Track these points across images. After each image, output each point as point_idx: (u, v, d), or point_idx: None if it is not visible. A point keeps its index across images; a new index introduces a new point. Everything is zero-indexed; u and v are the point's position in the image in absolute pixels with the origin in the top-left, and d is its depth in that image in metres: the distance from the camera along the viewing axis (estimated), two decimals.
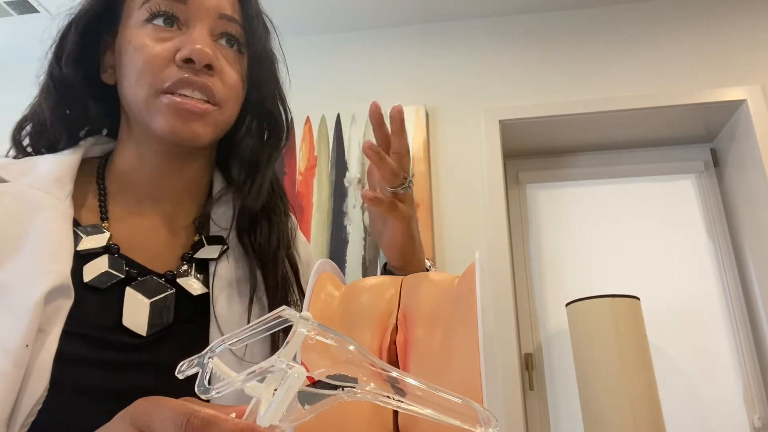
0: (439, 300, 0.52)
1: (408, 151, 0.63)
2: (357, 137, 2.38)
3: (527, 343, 2.34)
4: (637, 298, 1.98)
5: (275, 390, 0.32)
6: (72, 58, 0.66)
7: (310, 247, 0.83)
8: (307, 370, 0.32)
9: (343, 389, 0.33)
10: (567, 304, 2.05)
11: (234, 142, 0.71)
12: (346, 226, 2.25)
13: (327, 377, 0.33)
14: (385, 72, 2.53)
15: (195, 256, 0.66)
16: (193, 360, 0.36)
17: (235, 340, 0.35)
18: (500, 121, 2.35)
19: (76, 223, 0.62)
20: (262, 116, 0.73)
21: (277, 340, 0.62)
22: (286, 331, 0.33)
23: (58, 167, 0.63)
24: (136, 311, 0.58)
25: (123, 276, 0.60)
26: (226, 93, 0.65)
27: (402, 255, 0.67)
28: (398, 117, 0.61)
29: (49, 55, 0.67)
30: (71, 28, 0.67)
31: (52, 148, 0.69)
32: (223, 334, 0.59)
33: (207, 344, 0.59)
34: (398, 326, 0.51)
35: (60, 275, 0.54)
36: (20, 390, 0.49)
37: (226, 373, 0.34)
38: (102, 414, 0.41)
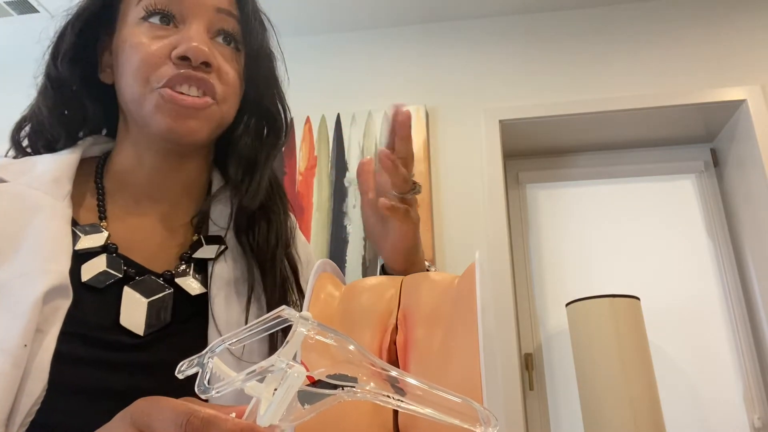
0: (439, 300, 0.52)
1: (413, 155, 0.63)
2: (357, 137, 2.38)
3: (527, 343, 2.34)
4: (637, 298, 1.98)
5: (275, 390, 0.32)
6: (68, 58, 0.66)
7: (309, 247, 0.83)
8: (307, 370, 0.32)
9: (343, 389, 0.33)
10: (567, 304, 2.05)
11: (232, 140, 0.71)
12: (346, 226, 2.25)
13: (327, 377, 0.33)
14: (385, 72, 2.53)
15: (193, 255, 0.65)
16: (192, 360, 0.36)
17: (234, 340, 0.35)
18: (500, 121, 2.35)
19: (74, 223, 0.62)
20: (261, 114, 0.72)
21: (275, 340, 0.62)
22: (285, 331, 0.33)
23: (56, 167, 0.63)
24: (134, 311, 0.58)
25: (121, 275, 0.60)
26: (223, 90, 0.64)
27: (407, 258, 0.66)
28: (407, 122, 0.61)
29: (47, 56, 0.67)
30: (68, 28, 0.67)
31: (51, 148, 0.69)
32: (221, 334, 0.59)
33: (205, 344, 0.59)
34: (398, 326, 0.51)
35: (58, 275, 0.54)
36: (19, 390, 0.49)
37: (226, 373, 0.34)
38: (100, 414, 0.41)
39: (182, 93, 0.61)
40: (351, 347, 0.34)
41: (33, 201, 0.59)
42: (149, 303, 0.59)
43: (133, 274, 0.61)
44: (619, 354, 1.85)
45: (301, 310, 0.33)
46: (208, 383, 0.35)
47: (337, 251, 2.20)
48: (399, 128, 0.61)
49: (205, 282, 0.64)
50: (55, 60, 0.67)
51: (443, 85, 2.46)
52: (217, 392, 0.34)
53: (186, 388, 0.39)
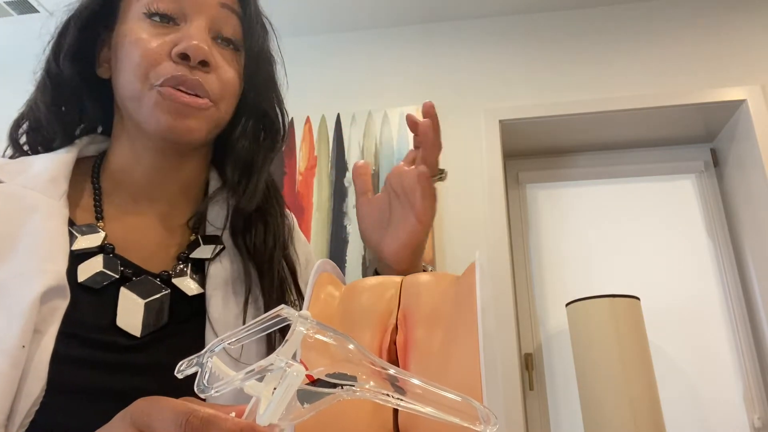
0: (439, 300, 0.52)
1: (440, 145, 0.65)
2: (357, 137, 2.38)
3: (527, 343, 2.34)
4: (637, 298, 1.98)
5: (274, 389, 0.32)
6: (70, 55, 0.66)
7: (309, 246, 0.83)
8: (306, 369, 0.32)
9: (342, 387, 0.33)
10: (567, 304, 2.05)
11: (230, 142, 0.71)
12: (346, 226, 2.25)
13: (326, 376, 0.33)
14: (385, 72, 2.53)
15: (190, 255, 0.65)
16: (192, 359, 0.36)
17: (233, 340, 0.35)
18: (500, 121, 2.35)
19: (71, 223, 0.61)
20: (259, 117, 0.72)
21: (273, 341, 0.62)
22: (283, 331, 0.33)
23: (52, 167, 0.63)
24: (131, 312, 0.58)
25: (117, 276, 0.59)
26: (221, 90, 0.64)
27: (414, 256, 0.65)
28: (433, 111, 0.62)
29: (47, 52, 0.67)
30: (70, 24, 0.66)
31: (48, 146, 0.69)
32: (217, 335, 0.59)
33: (203, 344, 0.59)
34: (398, 326, 0.51)
35: (55, 275, 0.54)
36: (17, 391, 0.49)
37: (225, 372, 0.34)
38: (99, 414, 0.40)
39: (181, 90, 0.61)
40: (350, 346, 0.34)
41: (29, 201, 0.59)
42: (146, 304, 0.59)
43: (130, 274, 0.61)
44: (619, 354, 1.85)
45: (300, 310, 0.33)
46: (207, 383, 0.35)
47: (337, 251, 2.20)
48: (431, 119, 0.62)
49: (203, 282, 0.63)
50: (56, 57, 0.66)
51: (443, 85, 2.46)
52: (217, 391, 0.34)
53: (184, 388, 0.39)
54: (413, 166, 0.65)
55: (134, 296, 0.59)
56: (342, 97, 2.49)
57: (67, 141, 0.69)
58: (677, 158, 2.53)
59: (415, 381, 0.33)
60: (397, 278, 0.56)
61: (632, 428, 1.76)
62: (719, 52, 2.34)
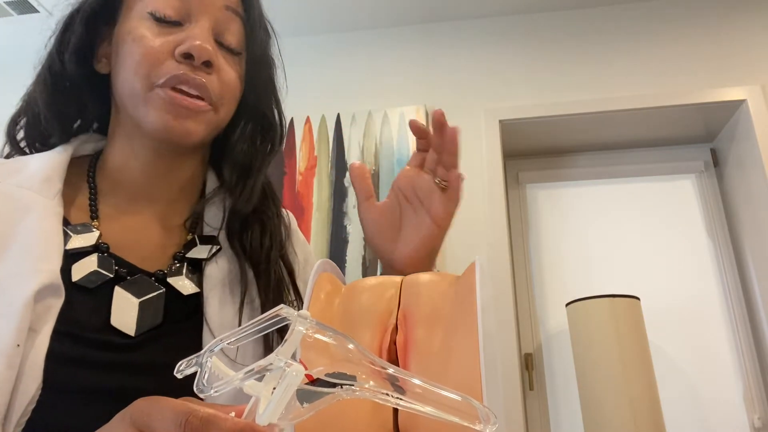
0: (439, 300, 0.51)
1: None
2: (357, 137, 2.38)
3: (527, 343, 2.34)
4: (637, 298, 1.98)
5: (274, 388, 0.32)
6: (74, 53, 0.65)
7: (309, 246, 0.83)
8: (306, 368, 0.32)
9: (342, 387, 0.33)
10: (567, 304, 2.05)
11: (228, 144, 0.71)
12: (346, 226, 2.25)
13: (326, 375, 0.33)
14: (385, 72, 2.53)
15: (187, 255, 0.65)
16: (191, 359, 0.36)
17: (233, 339, 0.35)
18: (500, 121, 2.35)
19: (66, 222, 0.61)
20: (257, 120, 0.72)
21: (270, 342, 0.61)
22: (280, 332, 0.33)
23: (47, 166, 0.63)
24: (125, 311, 0.58)
25: (112, 275, 0.59)
26: (222, 92, 0.64)
27: (429, 262, 0.64)
28: (444, 119, 0.62)
29: (50, 48, 0.66)
30: (74, 20, 0.65)
31: (45, 142, 0.68)
32: (213, 335, 0.59)
33: (198, 344, 0.59)
34: (398, 326, 0.51)
35: (50, 274, 0.54)
36: (13, 390, 0.49)
37: (225, 372, 0.34)
38: (95, 413, 0.40)
39: (182, 92, 0.61)
40: (350, 346, 0.34)
41: (23, 201, 0.59)
42: (140, 303, 0.59)
43: (124, 273, 0.60)
44: (619, 354, 1.85)
45: (299, 310, 0.33)
46: (207, 382, 0.35)
47: (337, 251, 2.20)
48: (447, 140, 0.62)
49: (199, 282, 0.63)
50: (60, 55, 0.65)
51: (443, 85, 2.46)
52: (216, 391, 0.34)
53: (180, 388, 0.39)
54: (415, 168, 0.65)
55: (129, 295, 0.59)
56: (342, 97, 2.49)
57: (64, 138, 0.68)
58: (677, 158, 2.53)
59: (415, 380, 0.33)
60: (397, 278, 0.56)
61: (632, 428, 1.76)
62: (719, 52, 2.34)
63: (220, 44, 0.65)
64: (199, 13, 0.63)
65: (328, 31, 2.63)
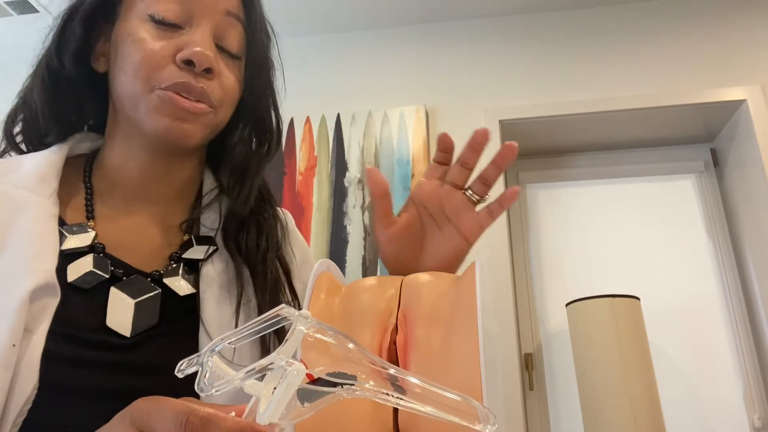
0: (439, 300, 0.52)
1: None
2: (357, 137, 2.38)
3: (527, 343, 2.34)
4: (637, 298, 1.98)
5: (275, 388, 0.32)
6: (73, 52, 0.65)
7: (308, 246, 0.83)
8: (307, 368, 0.32)
9: (342, 387, 0.33)
10: (567, 304, 2.05)
11: (226, 146, 0.71)
12: (346, 226, 2.25)
13: (326, 375, 0.33)
14: (385, 72, 2.53)
15: (183, 255, 0.64)
16: (192, 359, 0.36)
17: (234, 339, 0.35)
18: (500, 121, 2.35)
19: (61, 222, 0.61)
20: (255, 123, 0.72)
21: (267, 343, 0.61)
22: (277, 333, 0.33)
23: (42, 165, 0.62)
24: (121, 312, 0.57)
25: (107, 276, 0.59)
26: (222, 95, 0.64)
27: (454, 271, 0.64)
28: (487, 138, 0.65)
29: (48, 45, 0.66)
30: (73, 18, 0.65)
31: (41, 140, 0.68)
32: (210, 335, 0.59)
33: (194, 345, 0.58)
34: (398, 326, 0.51)
35: (45, 274, 0.54)
36: (9, 390, 0.49)
37: (225, 372, 0.34)
38: (92, 414, 0.40)
39: (182, 96, 0.61)
40: (350, 345, 0.34)
41: (19, 200, 0.58)
42: (136, 304, 0.59)
43: (120, 274, 0.60)
44: (619, 354, 1.85)
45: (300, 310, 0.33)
46: (207, 382, 0.35)
47: (337, 251, 2.20)
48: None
49: (196, 283, 0.63)
50: (59, 52, 0.65)
51: (443, 85, 2.46)
52: (217, 391, 0.34)
53: (177, 387, 0.39)
54: (435, 181, 0.68)
55: (124, 296, 0.59)
56: (342, 97, 2.49)
57: (61, 136, 0.68)
58: (677, 158, 2.53)
59: (415, 380, 0.33)
60: (397, 278, 0.56)
61: (632, 428, 1.76)
62: (719, 52, 2.34)
63: (220, 48, 0.65)
64: (201, 18, 0.63)
65: (327, 31, 2.63)
